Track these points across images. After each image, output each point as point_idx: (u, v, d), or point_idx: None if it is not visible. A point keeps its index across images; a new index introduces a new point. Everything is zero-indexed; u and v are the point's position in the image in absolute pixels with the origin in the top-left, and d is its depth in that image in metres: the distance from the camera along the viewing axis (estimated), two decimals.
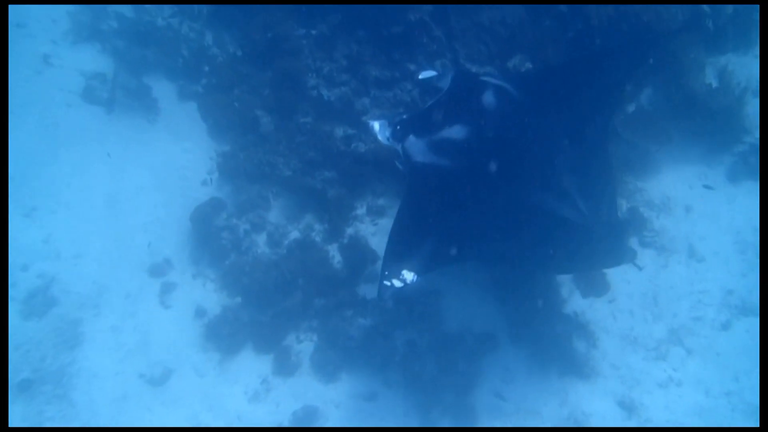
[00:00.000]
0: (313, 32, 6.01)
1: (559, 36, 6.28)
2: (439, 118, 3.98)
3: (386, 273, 3.58)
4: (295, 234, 5.80)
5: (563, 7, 6.28)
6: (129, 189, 6.09)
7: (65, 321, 5.59)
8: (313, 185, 5.78)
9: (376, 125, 4.06)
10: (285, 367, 5.40)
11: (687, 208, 5.87)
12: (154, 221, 5.97)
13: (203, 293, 5.73)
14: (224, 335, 5.45)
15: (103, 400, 5.39)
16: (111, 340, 5.58)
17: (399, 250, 3.67)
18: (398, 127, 4.00)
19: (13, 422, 5.28)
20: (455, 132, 3.89)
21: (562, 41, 6.25)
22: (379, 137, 4.04)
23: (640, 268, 5.61)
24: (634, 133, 6.07)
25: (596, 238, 3.96)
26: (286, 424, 5.23)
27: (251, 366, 5.45)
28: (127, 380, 5.45)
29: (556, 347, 5.37)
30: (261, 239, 5.79)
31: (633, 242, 5.87)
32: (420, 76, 4.39)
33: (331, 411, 5.27)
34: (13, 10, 6.77)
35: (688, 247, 5.73)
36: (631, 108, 6.20)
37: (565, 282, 5.68)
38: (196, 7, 6.55)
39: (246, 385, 5.39)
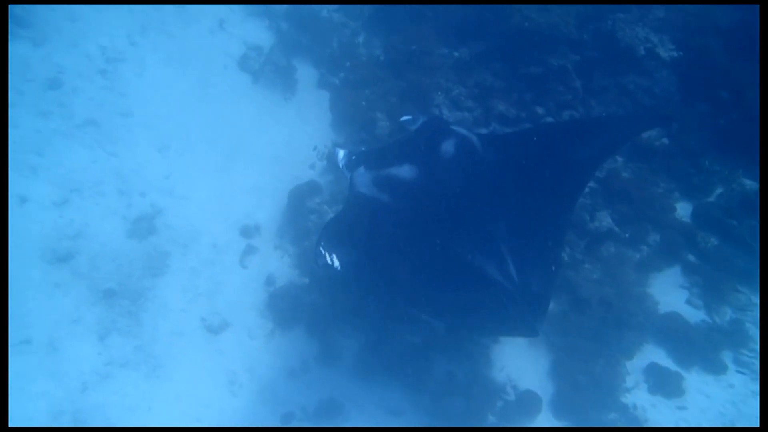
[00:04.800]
0: (455, 54, 6.46)
1: (709, 122, 6.22)
2: (392, 155, 4.16)
3: (322, 244, 3.83)
4: None
5: (725, 93, 6.22)
6: (247, 153, 6.92)
7: (157, 250, 6.44)
8: None
9: (341, 153, 4.31)
10: (327, 356, 5.80)
11: None
12: (259, 188, 6.71)
13: (279, 265, 6.34)
14: (283, 309, 6.00)
15: (164, 329, 6.13)
16: (188, 280, 6.34)
17: (334, 237, 3.89)
18: (353, 158, 4.23)
19: (89, 322, 6.19)
20: (403, 171, 4.05)
21: (709, 127, 6.18)
22: (339, 165, 4.29)
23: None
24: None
25: (514, 304, 3.89)
26: (310, 409, 5.63)
27: (297, 345, 5.93)
28: (189, 319, 6.15)
29: None
30: None
31: (725, 356, 5.63)
32: (402, 119, 4.60)
33: (354, 412, 5.57)
34: None
35: None
36: None
37: (634, 370, 5.58)
38: (358, 7, 7.31)
39: (287, 360, 5.87)
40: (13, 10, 7.15)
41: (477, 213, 4.04)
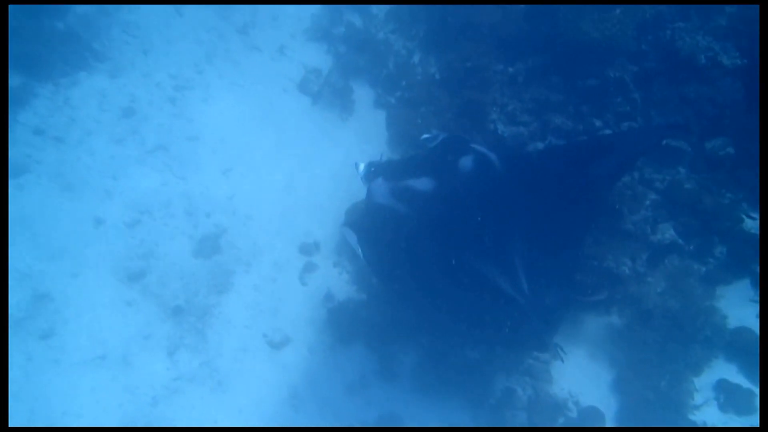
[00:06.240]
0: (510, 70, 6.60)
1: None
2: (411, 168, 4.33)
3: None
4: None
5: None
6: (307, 172, 7.27)
7: (222, 268, 6.81)
8: None
9: (360, 165, 4.53)
10: (386, 370, 5.98)
11: None
12: (319, 206, 7.01)
13: (337, 282, 6.59)
14: (342, 324, 6.22)
15: (228, 345, 6.46)
16: (251, 296, 6.68)
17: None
18: (372, 169, 4.43)
19: (159, 339, 6.57)
20: (421, 183, 4.22)
21: None
22: (359, 176, 4.51)
23: None
24: None
25: (526, 317, 3.98)
26: (370, 423, 5.79)
27: (356, 360, 6.14)
28: (252, 335, 6.47)
29: None
30: None
31: None
32: (423, 137, 4.73)
33: (414, 426, 5.70)
34: (268, 3, 8.49)
35: None
36: None
37: (703, 386, 5.48)
38: (414, 28, 7.59)
39: (346, 376, 6.09)
40: (92, 44, 7.80)
41: (492, 227, 4.18)
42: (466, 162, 4.31)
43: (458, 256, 4.12)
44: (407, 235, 4.23)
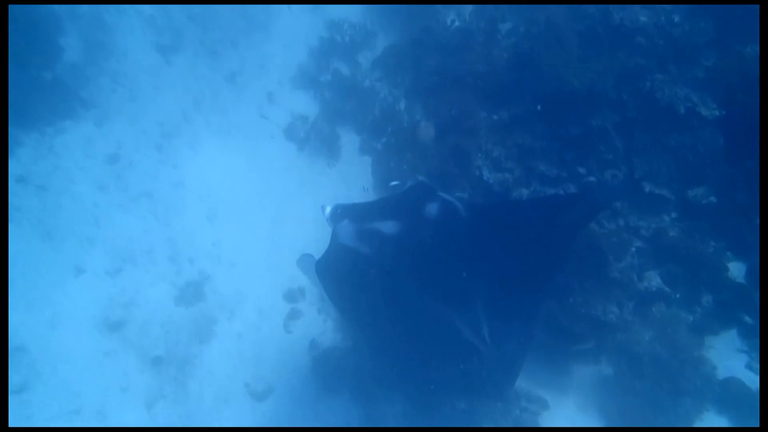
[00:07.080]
0: (494, 117, 6.67)
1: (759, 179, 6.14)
2: (377, 211, 4.39)
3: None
4: None
5: None
6: (293, 217, 7.27)
7: (205, 316, 6.72)
8: None
9: (327, 208, 4.59)
10: (370, 422, 5.84)
11: None
12: (303, 252, 6.91)
13: (322, 329, 6.50)
14: (326, 373, 6.10)
15: (209, 396, 6.33)
16: (234, 345, 6.57)
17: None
18: (339, 211, 4.49)
19: (137, 391, 6.41)
20: (387, 227, 4.25)
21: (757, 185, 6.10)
22: (325, 218, 4.56)
23: None
24: None
25: (486, 366, 3.99)
26: None
27: (341, 410, 6.01)
28: (234, 385, 6.35)
29: None
30: None
31: None
32: (391, 183, 4.78)
33: None
34: (256, 52, 8.59)
35: None
36: None
37: None
38: (399, 76, 7.70)
39: (331, 426, 5.93)
40: (79, 93, 7.83)
41: (455, 273, 4.21)
42: (431, 208, 4.36)
43: (420, 301, 4.13)
44: (371, 277, 4.24)
